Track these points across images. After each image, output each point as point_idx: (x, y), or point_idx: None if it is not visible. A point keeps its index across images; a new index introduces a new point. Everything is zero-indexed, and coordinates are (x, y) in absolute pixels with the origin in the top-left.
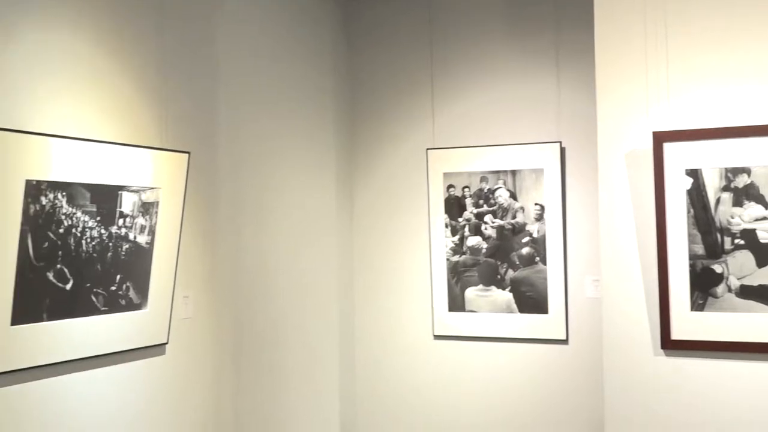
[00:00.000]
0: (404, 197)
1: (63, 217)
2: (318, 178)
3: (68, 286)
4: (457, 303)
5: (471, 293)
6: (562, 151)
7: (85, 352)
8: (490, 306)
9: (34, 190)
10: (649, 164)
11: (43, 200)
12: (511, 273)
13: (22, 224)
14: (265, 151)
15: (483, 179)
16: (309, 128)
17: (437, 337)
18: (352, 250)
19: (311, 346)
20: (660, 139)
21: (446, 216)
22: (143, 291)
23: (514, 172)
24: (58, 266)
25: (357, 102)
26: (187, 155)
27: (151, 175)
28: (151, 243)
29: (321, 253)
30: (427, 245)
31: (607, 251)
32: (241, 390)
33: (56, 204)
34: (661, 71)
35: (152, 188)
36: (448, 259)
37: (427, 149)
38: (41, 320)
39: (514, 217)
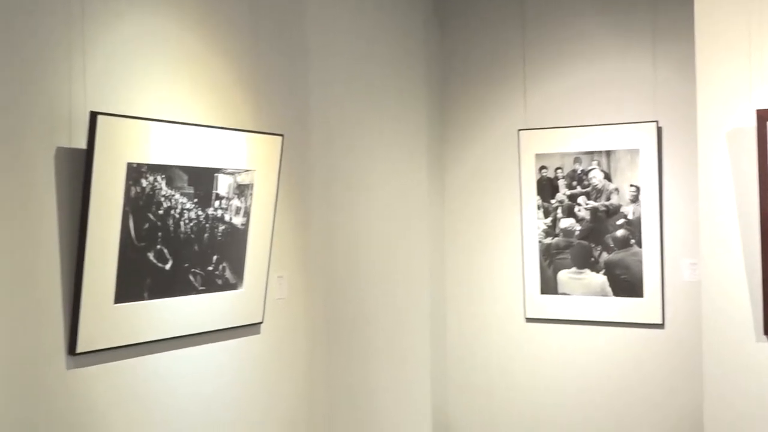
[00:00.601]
0: (495, 179)
1: (162, 199)
2: (409, 160)
3: (167, 266)
4: (549, 286)
5: (564, 276)
6: (659, 130)
7: (183, 331)
8: (584, 289)
9: (135, 173)
10: (752, 143)
11: (144, 183)
12: (605, 255)
13: (124, 206)
14: (357, 133)
15: (576, 160)
16: (400, 110)
17: (529, 320)
18: (443, 232)
19: (402, 328)
20: (764, 117)
21: (538, 197)
22: (239, 271)
23: (608, 153)
24: (158, 247)
25: (448, 83)
26: (281, 138)
27: (246, 158)
28: (246, 224)
29: (412, 234)
30: (519, 227)
31: (706, 234)
32: (333, 370)
33: (156, 186)
34: (765, 48)
35: (247, 170)
36: (540, 241)
37: (519, 130)
38: (142, 299)
39: (608, 198)
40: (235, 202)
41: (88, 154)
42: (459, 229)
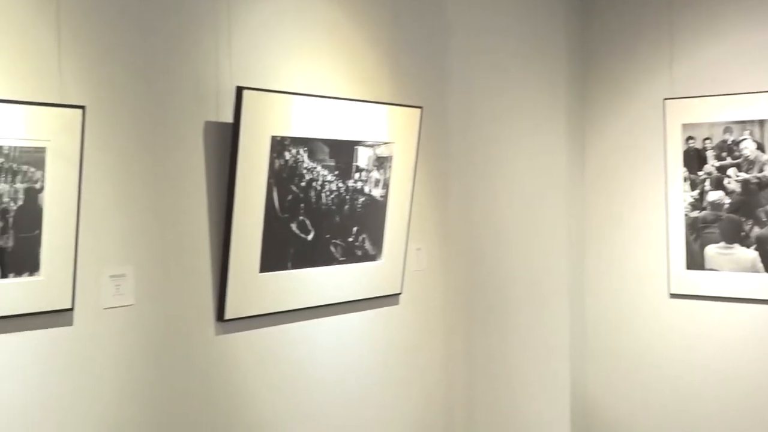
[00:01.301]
0: (639, 150)
1: (304, 171)
2: (548, 133)
3: (309, 237)
4: (695, 261)
5: (711, 251)
6: None
7: (324, 300)
8: (733, 264)
9: (278, 145)
10: None
11: (287, 155)
12: (756, 230)
13: (269, 178)
14: (495, 106)
15: (727, 130)
16: (539, 83)
17: (674, 295)
18: (583, 205)
19: (540, 303)
20: None
21: (685, 169)
22: (378, 242)
23: (761, 122)
24: (301, 218)
25: (589, 54)
26: (420, 110)
27: (385, 130)
28: (385, 196)
29: (550, 208)
30: (663, 200)
31: None
32: (471, 342)
33: (298, 159)
34: None
35: (386, 143)
36: (686, 215)
37: (665, 99)
38: (286, 268)
39: (761, 170)
40: (375, 174)
41: (235, 127)
42: (600, 201)
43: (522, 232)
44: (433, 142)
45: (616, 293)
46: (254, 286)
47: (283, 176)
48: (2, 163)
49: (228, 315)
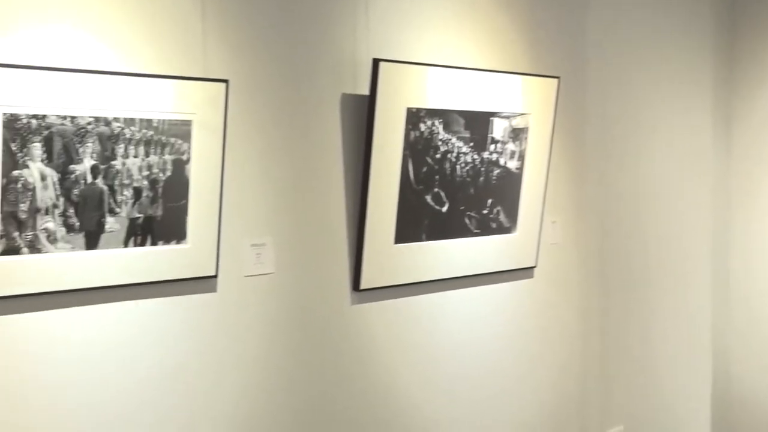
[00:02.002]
0: None
1: (439, 143)
2: (692, 109)
3: (444, 209)
4: None
5: None
6: None
7: (458, 272)
8: None
9: (414, 117)
10: None
11: (422, 127)
12: None
13: (404, 150)
14: (635, 80)
15: None
16: (684, 58)
17: None
18: (728, 182)
19: (682, 279)
20: None
21: None
22: (513, 215)
23: None
24: (435, 190)
25: (738, 25)
26: (557, 80)
27: (521, 101)
28: (520, 168)
29: (694, 182)
30: None
31: None
32: (608, 317)
33: (433, 130)
34: None
35: (522, 114)
36: None
37: None
38: (420, 240)
39: None
40: (510, 146)
41: (371, 99)
42: (748, 180)
43: (663, 208)
44: (570, 114)
45: (761, 268)
46: (389, 257)
47: (418, 148)
48: (152, 136)
49: (363, 285)
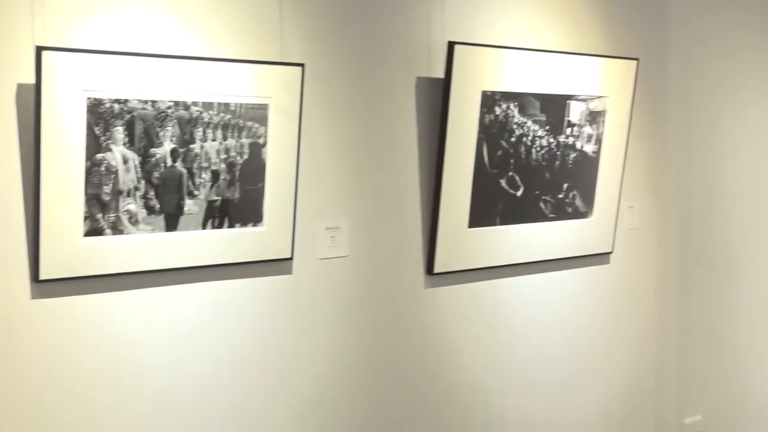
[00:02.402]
0: None
1: (514, 126)
2: None
3: (518, 193)
4: None
5: None
6: None
7: (532, 257)
8: None
9: (489, 100)
10: None
11: (497, 110)
12: None
13: (479, 133)
14: (720, 62)
15: None
16: None
17: None
18: None
19: (766, 263)
20: None
21: None
22: (589, 199)
23: None
24: (510, 173)
25: None
26: (635, 62)
27: (598, 84)
28: (597, 152)
29: None
30: None
31: None
32: (686, 306)
33: (508, 114)
34: None
35: (600, 97)
36: None
37: None
38: (494, 224)
39: None
40: (587, 130)
41: (446, 83)
42: None
43: (748, 195)
44: (649, 96)
45: None
46: (462, 241)
47: (493, 131)
48: (229, 120)
49: (437, 269)
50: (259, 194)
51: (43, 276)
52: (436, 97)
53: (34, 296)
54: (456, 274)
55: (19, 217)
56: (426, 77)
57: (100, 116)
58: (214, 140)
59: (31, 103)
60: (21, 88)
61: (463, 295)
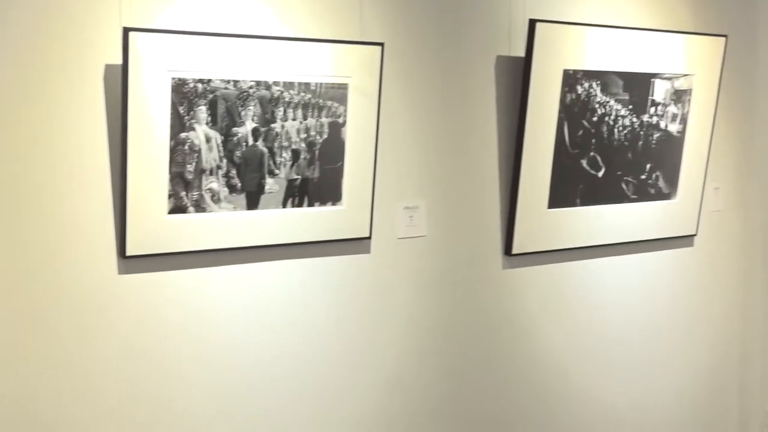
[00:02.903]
0: None
1: (596, 105)
2: None
3: (600, 174)
4: None
5: None
6: None
7: (613, 239)
8: None
9: (570, 79)
10: None
11: (579, 89)
12: None
13: (559, 113)
14: None
15: None
16: None
17: None
18: None
19: None
20: None
21: None
22: (672, 181)
23: None
24: (591, 154)
25: None
26: (723, 39)
27: (684, 62)
28: (682, 132)
29: None
30: None
31: None
32: None
33: (591, 93)
34: None
35: (686, 75)
36: None
37: None
38: (574, 205)
39: None
40: (672, 109)
41: (527, 61)
42: None
43: None
44: (737, 74)
45: None
46: (542, 222)
47: (574, 111)
48: (309, 99)
49: (515, 250)
50: (339, 173)
51: (129, 252)
52: (517, 76)
53: (120, 272)
54: (534, 255)
55: (107, 195)
56: (506, 56)
57: (184, 96)
58: (294, 119)
59: (118, 84)
60: (108, 69)
61: (541, 277)
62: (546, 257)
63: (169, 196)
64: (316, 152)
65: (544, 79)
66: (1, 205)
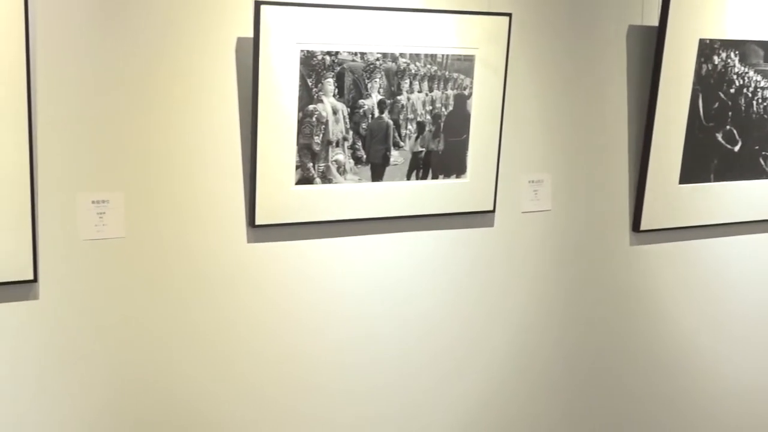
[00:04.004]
0: None
1: (734, 76)
2: None
3: (736, 148)
4: None
5: None
6: None
7: (750, 216)
8: None
9: (707, 49)
10: None
11: (716, 60)
12: None
13: (694, 84)
14: None
15: None
16: None
17: None
18: None
19: None
20: None
21: None
22: None
23: None
24: (728, 127)
25: None
26: None
27: None
28: None
29: None
30: None
31: None
32: None
33: (728, 63)
34: None
35: None
36: None
37: None
38: (708, 180)
39: None
40: None
41: (660, 31)
42: None
43: None
44: None
45: None
46: (672, 198)
47: (710, 82)
48: (435, 71)
49: (644, 226)
50: (463, 146)
51: (258, 221)
52: (650, 46)
53: (249, 240)
54: (664, 232)
55: (238, 166)
56: (638, 25)
57: (313, 68)
58: (420, 92)
59: (249, 56)
60: (240, 41)
61: (671, 254)
62: (676, 234)
63: (297, 167)
64: (441, 124)
65: (679, 50)
66: (137, 175)
